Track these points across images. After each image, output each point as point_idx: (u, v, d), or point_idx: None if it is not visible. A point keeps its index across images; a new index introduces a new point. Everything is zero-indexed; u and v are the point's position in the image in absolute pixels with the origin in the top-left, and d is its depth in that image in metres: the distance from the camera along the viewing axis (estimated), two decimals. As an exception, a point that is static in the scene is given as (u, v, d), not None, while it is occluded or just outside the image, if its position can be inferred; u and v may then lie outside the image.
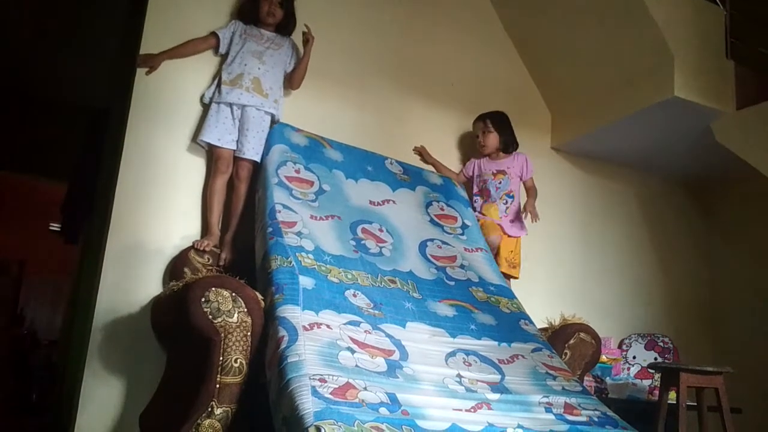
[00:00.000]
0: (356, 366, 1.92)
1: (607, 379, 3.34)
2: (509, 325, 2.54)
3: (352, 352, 1.98)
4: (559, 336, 2.64)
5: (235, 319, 2.00)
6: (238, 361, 1.99)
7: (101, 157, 3.92)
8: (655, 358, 3.51)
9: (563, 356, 2.55)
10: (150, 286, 2.62)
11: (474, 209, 3.23)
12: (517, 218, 3.25)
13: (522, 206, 3.25)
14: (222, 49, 2.90)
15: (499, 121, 3.35)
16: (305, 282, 2.20)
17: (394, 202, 2.93)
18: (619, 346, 3.65)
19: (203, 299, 1.98)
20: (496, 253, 3.10)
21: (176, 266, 2.59)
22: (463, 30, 3.73)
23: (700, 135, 3.52)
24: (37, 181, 6.17)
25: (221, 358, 1.97)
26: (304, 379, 1.73)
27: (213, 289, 2.01)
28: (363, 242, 2.62)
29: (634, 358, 3.56)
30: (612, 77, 3.52)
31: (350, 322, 2.14)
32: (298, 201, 2.62)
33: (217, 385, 1.95)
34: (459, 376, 2.10)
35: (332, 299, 2.21)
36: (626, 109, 3.44)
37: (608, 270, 3.97)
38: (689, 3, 3.39)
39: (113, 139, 3.20)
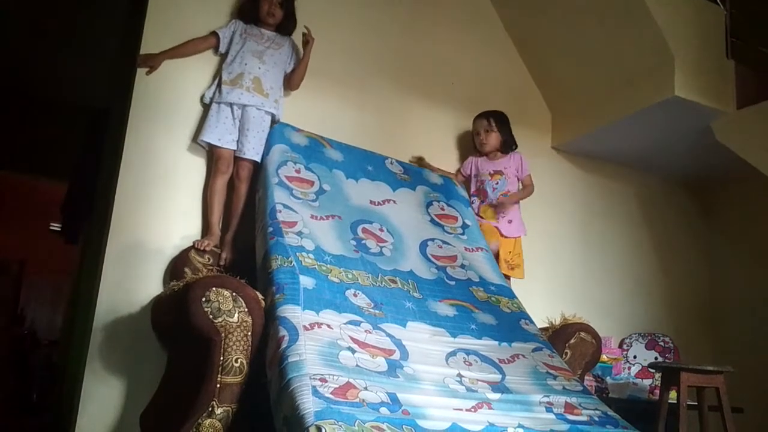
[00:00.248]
0: (357, 366, 1.92)
1: (608, 379, 3.34)
2: (510, 324, 2.54)
3: (353, 351, 1.98)
4: (559, 335, 2.64)
5: (235, 318, 2.00)
6: (239, 360, 1.99)
7: (101, 157, 3.92)
8: (656, 358, 3.51)
9: (564, 356, 2.55)
10: (150, 286, 2.61)
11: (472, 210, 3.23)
12: (516, 218, 3.25)
13: (519, 208, 3.26)
14: (222, 49, 2.89)
15: (501, 120, 3.34)
16: (306, 282, 2.20)
17: (394, 201, 2.93)
18: (620, 346, 3.65)
19: (204, 299, 1.98)
20: (495, 256, 3.09)
21: (177, 266, 2.59)
22: (463, 30, 3.73)
23: (701, 135, 3.53)
24: (37, 181, 6.17)
25: (222, 358, 1.97)
26: (305, 379, 1.73)
27: (213, 288, 2.01)
28: (363, 242, 2.62)
29: (635, 357, 3.56)
30: (612, 77, 3.52)
31: (351, 322, 2.14)
32: (299, 201, 2.62)
33: (218, 385, 1.95)
34: (459, 375, 2.10)
35: (333, 299, 2.21)
36: (626, 108, 3.44)
37: (609, 269, 3.97)
38: (689, 3, 3.39)
39: (113, 139, 3.20)
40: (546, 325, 2.74)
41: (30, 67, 4.81)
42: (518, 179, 3.31)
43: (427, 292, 2.54)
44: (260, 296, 2.10)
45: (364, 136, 3.21)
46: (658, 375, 3.06)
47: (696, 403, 2.71)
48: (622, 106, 3.46)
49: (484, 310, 2.57)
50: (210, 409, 1.92)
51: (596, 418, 2.06)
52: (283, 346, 1.87)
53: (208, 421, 1.91)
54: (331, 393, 1.72)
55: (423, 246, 2.80)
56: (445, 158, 3.49)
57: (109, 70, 4.10)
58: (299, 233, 2.45)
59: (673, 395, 2.67)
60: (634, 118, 3.44)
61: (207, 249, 2.63)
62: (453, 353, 2.24)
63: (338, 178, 2.85)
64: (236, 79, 2.78)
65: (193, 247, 2.63)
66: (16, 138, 5.09)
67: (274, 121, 2.86)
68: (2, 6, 4.07)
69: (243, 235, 2.70)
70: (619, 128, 3.58)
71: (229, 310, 2.00)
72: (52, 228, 6.83)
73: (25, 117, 5.13)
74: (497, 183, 3.27)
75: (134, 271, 2.62)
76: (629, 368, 3.48)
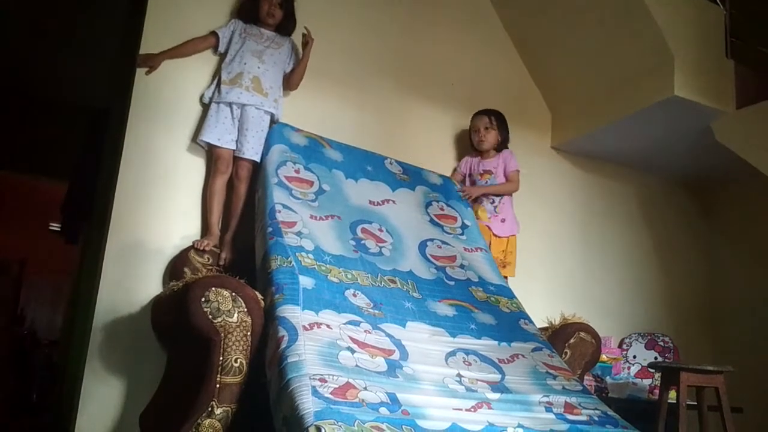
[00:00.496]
0: (356, 366, 1.92)
1: (608, 379, 3.34)
2: (509, 324, 2.55)
3: (352, 351, 1.98)
4: (559, 335, 2.64)
5: (235, 318, 2.00)
6: (238, 360, 1.99)
7: (101, 157, 3.92)
8: (656, 358, 3.51)
9: (563, 355, 2.55)
10: (150, 285, 2.62)
11: None
12: (509, 216, 3.24)
13: (512, 206, 3.26)
14: (221, 48, 2.89)
15: (501, 119, 3.34)
16: (305, 282, 2.20)
17: (393, 201, 2.92)
18: (620, 346, 3.65)
19: (203, 299, 1.98)
20: None
21: (176, 266, 2.59)
22: (463, 30, 3.73)
23: (700, 135, 3.52)
24: (37, 181, 6.17)
25: (221, 358, 1.97)
26: (305, 379, 1.73)
27: (213, 288, 2.01)
28: (363, 242, 2.63)
29: (635, 357, 3.56)
30: (612, 77, 3.52)
31: (350, 322, 2.14)
32: (298, 201, 2.62)
33: (217, 385, 1.95)
34: (459, 375, 2.10)
35: (332, 299, 2.21)
36: (626, 108, 3.44)
37: (608, 269, 3.97)
38: (689, 3, 3.39)
39: (113, 139, 3.21)
40: (546, 324, 2.74)
41: (30, 67, 4.81)
42: (504, 175, 3.30)
43: (427, 292, 2.54)
44: (260, 296, 2.10)
45: (363, 136, 3.21)
46: (657, 375, 3.07)
47: (696, 403, 2.71)
48: (622, 106, 3.46)
49: (484, 310, 2.57)
50: (209, 409, 1.92)
51: (596, 418, 2.06)
52: (283, 346, 1.87)
53: (207, 421, 1.91)
54: (330, 393, 1.72)
55: (422, 246, 2.80)
56: (444, 158, 3.49)
57: (109, 70, 4.10)
58: (299, 233, 2.45)
59: (672, 395, 2.67)
60: (634, 118, 3.44)
61: (206, 249, 2.63)
62: (452, 353, 2.24)
63: (338, 178, 2.85)
64: (236, 78, 2.78)
65: (192, 247, 2.63)
66: (16, 138, 5.09)
67: (273, 120, 2.86)
68: (2, 6, 4.07)
69: (242, 235, 2.70)
70: (619, 128, 3.58)
71: (229, 310, 2.00)
72: (52, 228, 6.84)
73: (25, 117, 5.13)
74: (486, 182, 3.27)
75: (134, 271, 2.62)
76: (629, 368, 3.48)
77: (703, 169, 4.09)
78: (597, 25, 3.44)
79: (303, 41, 2.96)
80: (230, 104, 2.77)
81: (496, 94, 3.70)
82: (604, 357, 3.24)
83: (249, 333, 2.02)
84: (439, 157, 3.45)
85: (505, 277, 3.03)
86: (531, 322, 2.62)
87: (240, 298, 2.03)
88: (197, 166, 2.83)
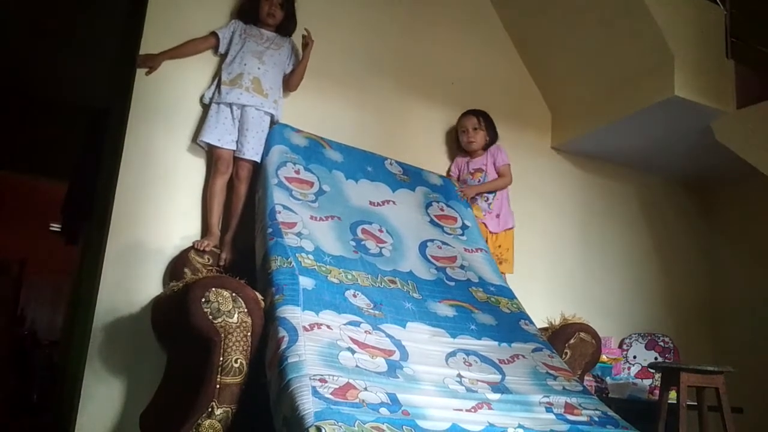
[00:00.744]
0: (356, 366, 1.92)
1: (608, 379, 3.34)
2: (509, 325, 2.54)
3: (353, 352, 1.98)
4: (559, 336, 2.64)
5: (235, 319, 2.00)
6: (239, 361, 1.99)
7: (101, 157, 3.92)
8: (656, 358, 3.51)
9: (563, 356, 2.55)
10: (150, 286, 2.62)
11: None
12: (503, 211, 3.25)
13: (508, 199, 3.27)
14: (222, 49, 2.89)
15: (488, 119, 3.35)
16: (305, 282, 2.20)
17: (394, 202, 2.92)
18: (620, 346, 3.66)
19: (203, 299, 1.98)
20: None
21: (176, 266, 2.59)
22: (463, 30, 3.73)
23: (701, 135, 3.52)
24: (37, 181, 6.18)
25: (221, 359, 1.97)
26: (305, 380, 1.73)
27: (213, 289, 2.01)
28: (363, 243, 2.62)
29: (635, 357, 3.56)
30: (612, 77, 3.52)
31: (350, 323, 2.14)
32: (298, 202, 2.62)
33: (218, 386, 1.95)
34: (459, 376, 2.10)
35: (332, 300, 2.21)
36: (626, 108, 3.44)
37: (608, 269, 3.97)
38: (689, 3, 3.39)
39: (113, 139, 3.21)
40: (546, 325, 2.74)
41: (30, 67, 4.82)
42: (495, 170, 3.31)
43: (427, 292, 2.54)
44: (260, 297, 2.10)
45: (363, 136, 3.21)
46: (657, 375, 3.07)
47: (696, 403, 2.71)
48: (622, 106, 3.46)
49: (484, 310, 2.57)
50: (210, 409, 1.92)
51: (596, 419, 2.06)
52: (283, 346, 1.87)
53: (207, 422, 1.91)
54: (330, 393, 1.72)
55: (422, 247, 2.80)
56: (444, 158, 3.49)
57: (109, 70, 4.10)
58: (299, 234, 2.45)
59: (672, 395, 2.67)
60: (634, 118, 3.44)
61: (207, 249, 2.63)
62: (453, 354, 2.24)
63: (338, 178, 2.85)
64: (236, 79, 2.78)
65: (192, 247, 2.63)
66: (16, 138, 5.09)
67: (273, 121, 2.86)
68: (2, 6, 4.08)
69: (243, 236, 2.70)
70: (619, 128, 3.58)
71: (229, 311, 2.00)
72: (52, 228, 6.84)
73: (25, 117, 5.13)
74: (479, 181, 3.28)
75: (134, 271, 2.62)
76: (629, 368, 3.49)
77: (703, 169, 4.09)
78: (597, 25, 3.44)
79: (303, 43, 2.96)
80: (230, 105, 2.77)
81: (496, 94, 3.71)
82: (604, 357, 3.25)
83: (249, 333, 2.02)
84: (439, 158, 3.45)
85: (503, 274, 3.03)
86: (531, 322, 2.62)
87: (240, 299, 2.03)
88: (197, 166, 2.83)
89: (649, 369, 3.19)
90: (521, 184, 3.49)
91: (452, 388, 2.02)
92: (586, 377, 2.87)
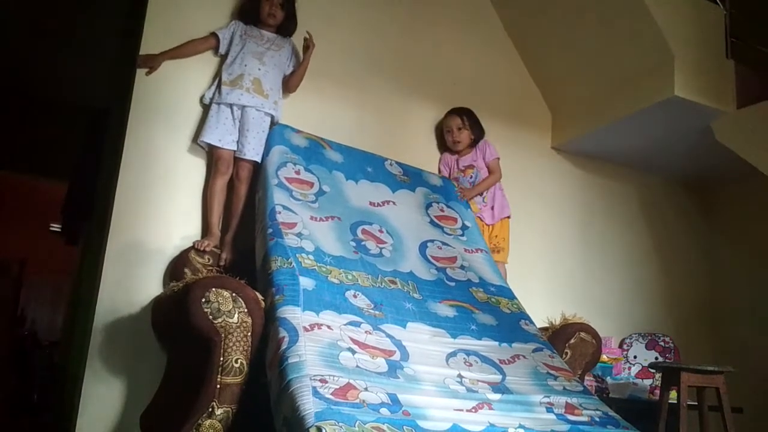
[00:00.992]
0: (357, 366, 1.92)
1: (608, 379, 3.34)
2: (510, 325, 2.54)
3: (353, 352, 1.98)
4: (559, 336, 2.64)
5: (235, 319, 2.00)
6: (239, 361, 1.99)
7: (101, 157, 3.92)
8: (656, 358, 3.51)
9: (564, 356, 2.55)
10: (150, 286, 2.62)
11: None
12: (498, 202, 3.25)
13: (501, 189, 3.28)
14: (222, 50, 2.89)
15: (472, 118, 3.36)
16: (305, 283, 2.20)
17: (394, 203, 2.92)
18: (620, 346, 3.66)
19: (204, 300, 1.98)
20: None
21: (177, 266, 2.59)
22: (463, 30, 3.73)
23: (701, 135, 3.52)
24: (37, 181, 6.18)
25: (222, 359, 1.97)
26: (305, 380, 1.73)
27: (213, 289, 2.01)
28: (363, 243, 2.62)
29: (635, 357, 3.56)
30: (612, 77, 3.52)
31: (351, 323, 2.14)
32: (299, 202, 2.62)
33: (218, 386, 1.95)
34: (460, 376, 2.10)
35: (333, 300, 2.21)
36: (626, 108, 3.44)
37: (609, 269, 3.97)
38: (689, 3, 3.39)
39: (113, 139, 3.21)
40: (546, 325, 2.74)
41: (30, 67, 4.82)
42: (485, 165, 3.31)
43: (427, 293, 2.54)
44: (260, 297, 2.10)
45: (363, 136, 3.21)
46: (658, 375, 3.07)
47: (696, 403, 2.71)
48: (622, 106, 3.46)
49: (484, 310, 2.57)
50: (210, 409, 1.92)
51: (597, 419, 2.06)
52: (283, 347, 1.87)
53: (208, 422, 1.91)
54: (331, 394, 1.72)
55: (423, 247, 2.80)
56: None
57: (109, 70, 4.10)
58: (299, 234, 2.45)
59: (673, 395, 2.67)
60: (634, 118, 3.44)
61: (207, 249, 2.63)
62: (453, 354, 2.24)
63: (338, 179, 2.85)
64: (236, 80, 2.78)
65: (193, 247, 2.63)
66: (16, 138, 5.09)
67: (273, 122, 2.86)
68: (2, 6, 4.08)
69: (243, 236, 2.70)
70: (619, 128, 3.58)
71: (229, 311, 2.00)
72: (52, 228, 6.84)
73: (25, 117, 5.13)
74: (471, 177, 3.29)
75: (134, 271, 2.62)
76: (629, 368, 3.49)
77: (703, 169, 4.09)
78: (597, 25, 3.44)
79: (304, 45, 2.95)
80: (231, 105, 2.77)
81: (496, 94, 3.71)
82: (604, 357, 3.25)
83: (249, 333, 2.02)
84: (438, 158, 3.44)
85: (498, 263, 3.02)
86: (531, 322, 2.62)
87: (240, 299, 2.03)
88: (198, 166, 2.83)
89: (650, 369, 3.19)
90: (521, 184, 3.49)
91: (453, 389, 2.02)
92: (586, 377, 2.88)
